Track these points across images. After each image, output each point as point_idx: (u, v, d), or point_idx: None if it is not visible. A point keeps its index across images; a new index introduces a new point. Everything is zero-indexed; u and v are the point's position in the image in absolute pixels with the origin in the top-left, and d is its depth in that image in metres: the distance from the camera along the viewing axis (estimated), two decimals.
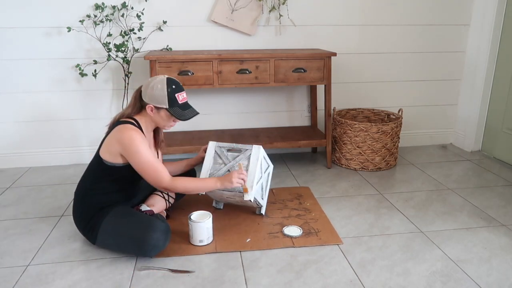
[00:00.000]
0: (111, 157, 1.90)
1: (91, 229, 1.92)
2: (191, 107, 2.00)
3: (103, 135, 1.99)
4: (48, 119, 2.99)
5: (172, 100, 1.91)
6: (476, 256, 1.93)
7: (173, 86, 1.92)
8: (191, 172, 2.38)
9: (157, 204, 2.11)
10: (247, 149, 2.17)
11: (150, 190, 2.21)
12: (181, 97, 1.95)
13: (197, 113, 2.00)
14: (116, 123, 1.93)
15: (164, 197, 2.17)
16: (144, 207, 2.05)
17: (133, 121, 1.94)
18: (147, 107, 1.92)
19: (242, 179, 1.99)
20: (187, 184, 1.95)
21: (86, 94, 2.98)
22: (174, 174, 2.30)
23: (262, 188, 2.22)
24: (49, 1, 2.76)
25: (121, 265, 1.85)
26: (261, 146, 2.17)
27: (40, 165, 3.06)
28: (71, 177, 2.83)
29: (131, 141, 1.84)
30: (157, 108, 1.93)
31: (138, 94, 1.97)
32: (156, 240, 1.82)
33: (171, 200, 2.22)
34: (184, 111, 1.96)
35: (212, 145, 2.21)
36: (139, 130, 1.91)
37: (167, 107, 1.91)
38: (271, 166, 2.34)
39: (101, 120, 3.03)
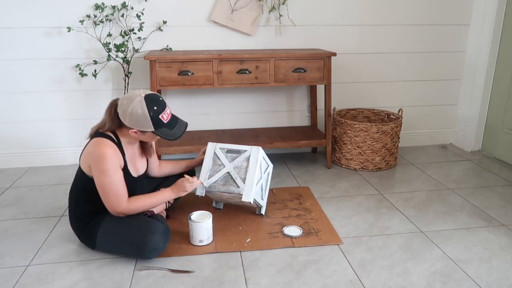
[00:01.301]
0: (87, 169, 1.83)
1: (89, 235, 1.90)
2: (178, 121, 1.89)
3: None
4: (48, 119, 2.99)
5: (157, 123, 1.79)
6: (476, 256, 1.93)
7: (155, 108, 1.78)
8: (190, 173, 2.38)
9: None
10: (246, 150, 2.17)
11: (150, 190, 2.21)
12: (165, 116, 1.82)
13: (186, 126, 1.91)
14: (95, 134, 1.84)
15: None
16: None
17: (111, 135, 1.84)
18: (130, 131, 1.82)
19: (193, 183, 1.98)
20: (144, 203, 1.88)
21: (86, 94, 2.98)
22: (173, 174, 2.30)
23: (262, 189, 2.22)
24: (49, 1, 2.76)
25: (121, 265, 1.85)
26: (260, 147, 2.17)
27: (40, 165, 3.06)
28: (71, 177, 2.83)
29: (101, 158, 1.75)
30: (142, 131, 1.82)
31: (114, 112, 1.83)
32: (155, 242, 1.80)
33: (171, 201, 2.22)
34: (172, 130, 1.85)
35: (211, 146, 2.20)
36: (115, 147, 1.81)
37: (153, 130, 1.81)
38: (271, 165, 2.33)
39: None
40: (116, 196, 1.80)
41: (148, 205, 1.90)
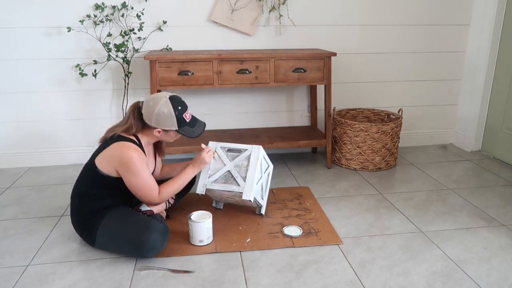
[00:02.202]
0: (107, 169, 1.89)
1: (89, 232, 1.92)
2: (197, 120, 2.03)
3: (97, 146, 1.98)
4: (48, 119, 2.99)
5: (180, 121, 1.92)
6: (476, 256, 1.93)
7: (179, 108, 1.92)
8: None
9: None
10: (247, 149, 2.17)
11: None
12: (188, 115, 1.96)
13: (205, 126, 2.04)
14: (116, 137, 1.90)
15: None
16: (144, 207, 2.05)
17: (133, 138, 1.92)
18: (154, 131, 1.92)
19: (209, 152, 2.11)
20: (172, 188, 2.01)
21: (86, 94, 2.98)
22: (173, 176, 2.30)
23: (262, 188, 2.22)
24: (49, 1, 2.76)
25: (121, 265, 1.85)
26: (261, 146, 2.17)
27: (40, 165, 3.06)
28: (71, 177, 2.83)
29: (130, 162, 1.84)
30: (166, 130, 1.94)
31: (138, 114, 1.92)
32: (153, 241, 1.82)
33: (171, 201, 2.22)
34: (193, 129, 1.98)
35: (212, 145, 2.21)
36: (140, 149, 1.89)
37: (177, 129, 1.93)
38: (271, 166, 2.34)
39: (101, 120, 3.03)
40: (149, 191, 1.92)
41: (177, 187, 2.03)
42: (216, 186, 2.13)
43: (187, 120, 1.95)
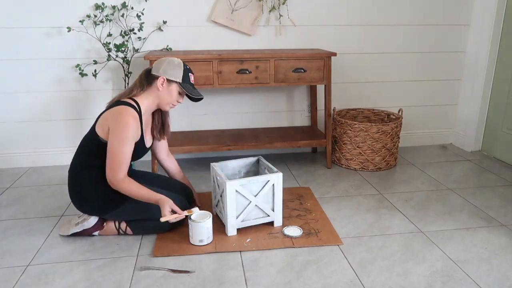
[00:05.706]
0: (104, 134, 1.93)
1: (110, 201, 1.99)
2: (197, 90, 2.08)
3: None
4: (48, 119, 2.99)
5: (186, 76, 2.01)
6: (476, 256, 1.93)
7: (187, 67, 2.04)
8: (189, 193, 2.30)
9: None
10: (268, 180, 2.07)
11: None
12: (192, 77, 2.05)
13: (203, 97, 2.07)
14: (118, 102, 1.95)
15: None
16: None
17: (134, 104, 1.96)
18: (158, 79, 1.97)
19: (174, 218, 1.91)
20: (137, 192, 1.91)
21: (86, 94, 2.98)
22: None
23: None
24: (49, 1, 2.76)
25: (121, 265, 1.85)
26: (280, 173, 2.08)
27: (40, 165, 3.06)
28: None
29: (124, 126, 1.87)
30: (169, 81, 1.99)
31: (145, 72, 2.03)
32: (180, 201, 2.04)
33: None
34: (195, 90, 2.05)
35: (230, 186, 2.00)
36: (138, 118, 1.94)
37: (181, 81, 1.99)
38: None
39: None
40: (118, 164, 1.89)
41: (140, 195, 1.92)
42: (248, 224, 2.11)
43: (191, 81, 2.04)
